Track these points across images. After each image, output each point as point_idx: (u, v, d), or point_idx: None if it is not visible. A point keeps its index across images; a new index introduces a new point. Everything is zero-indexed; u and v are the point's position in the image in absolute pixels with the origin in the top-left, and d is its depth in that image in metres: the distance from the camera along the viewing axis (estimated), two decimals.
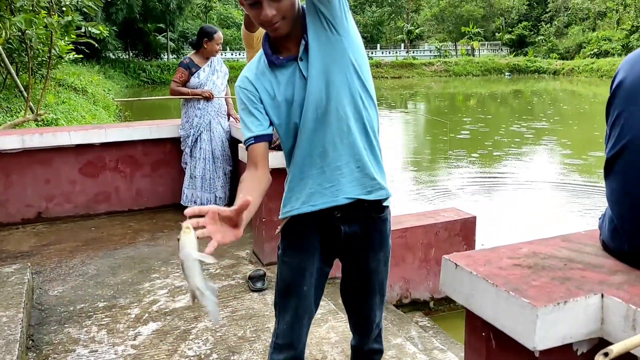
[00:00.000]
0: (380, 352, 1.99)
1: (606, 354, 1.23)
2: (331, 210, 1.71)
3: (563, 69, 38.50)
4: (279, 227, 1.83)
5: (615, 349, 1.24)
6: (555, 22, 47.40)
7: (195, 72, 4.73)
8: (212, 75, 4.77)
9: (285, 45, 1.67)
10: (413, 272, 3.90)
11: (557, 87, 29.87)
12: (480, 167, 10.09)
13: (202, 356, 2.63)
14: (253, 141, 1.68)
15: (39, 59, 9.67)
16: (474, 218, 4.11)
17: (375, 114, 1.74)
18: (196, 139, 4.79)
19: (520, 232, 5.89)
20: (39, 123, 8.83)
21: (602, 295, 1.43)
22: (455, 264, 1.65)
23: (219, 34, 4.73)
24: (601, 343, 1.49)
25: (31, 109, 9.00)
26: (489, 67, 40.31)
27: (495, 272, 1.59)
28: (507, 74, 39.56)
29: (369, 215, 1.75)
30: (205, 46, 4.67)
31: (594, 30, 43.90)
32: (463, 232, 4.06)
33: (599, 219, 1.74)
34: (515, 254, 1.73)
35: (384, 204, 1.77)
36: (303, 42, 1.63)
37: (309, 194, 1.70)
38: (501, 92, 28.74)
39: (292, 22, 1.61)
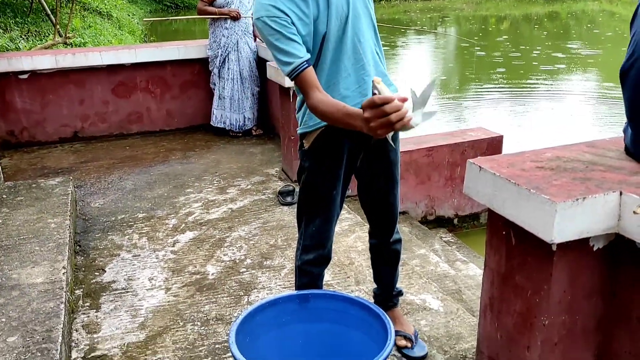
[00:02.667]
0: (400, 240, 2.13)
1: None
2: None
3: None
4: (307, 140, 1.86)
5: None
6: None
7: None
8: None
9: None
10: (438, 190, 3.98)
11: (595, 8, 28.43)
12: (511, 87, 9.90)
13: (237, 261, 2.80)
14: (306, 65, 1.65)
15: None
16: (501, 137, 4.13)
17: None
18: (224, 59, 4.81)
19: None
20: (68, 46, 8.89)
21: (621, 193, 1.49)
22: (480, 166, 1.72)
23: None
24: (617, 239, 1.56)
25: (59, 32, 9.05)
26: None
27: (517, 173, 1.65)
28: None
29: None
30: None
31: None
32: (489, 150, 4.09)
33: (625, 123, 1.77)
34: (539, 158, 1.78)
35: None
36: None
37: (340, 99, 1.71)
38: (536, 13, 27.52)
39: None
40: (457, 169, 4.05)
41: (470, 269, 3.13)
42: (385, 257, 2.13)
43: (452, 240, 3.79)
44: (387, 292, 2.17)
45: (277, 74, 3.68)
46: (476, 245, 3.67)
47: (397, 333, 2.06)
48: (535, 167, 1.70)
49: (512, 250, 1.73)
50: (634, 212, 1.25)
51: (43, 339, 1.91)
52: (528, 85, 10.21)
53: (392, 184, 1.99)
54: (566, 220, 1.46)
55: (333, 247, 2.01)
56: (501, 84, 10.40)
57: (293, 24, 1.64)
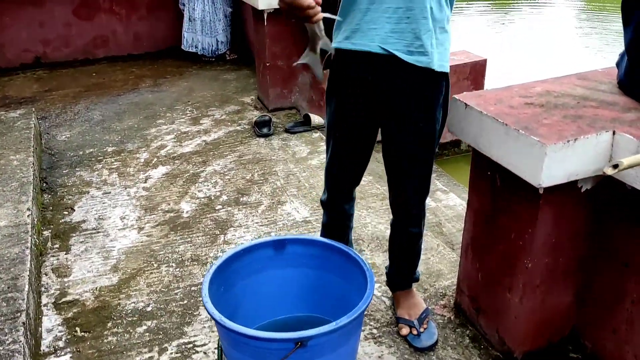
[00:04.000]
0: (419, 235, 1.82)
1: (616, 166, 1.24)
2: (367, 55, 1.51)
3: None
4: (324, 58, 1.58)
5: (626, 161, 1.24)
6: None
7: None
8: None
9: None
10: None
11: None
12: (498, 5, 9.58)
13: (212, 197, 2.71)
14: None
15: None
16: (484, 61, 3.98)
17: None
18: None
19: (534, 72, 5.75)
20: None
21: (614, 132, 1.40)
22: (465, 103, 1.61)
23: None
24: (606, 179, 1.49)
25: None
26: None
27: (505, 111, 1.55)
28: None
29: (405, 75, 1.51)
30: None
31: None
32: (472, 75, 3.95)
33: (619, 55, 1.65)
34: (528, 92, 1.67)
35: (436, 69, 1.49)
36: None
37: (352, 29, 1.51)
38: None
39: None
40: None
41: (450, 199, 3.09)
42: (396, 241, 1.86)
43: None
44: (395, 274, 1.92)
45: None
46: (456, 173, 3.62)
47: (398, 320, 1.85)
48: (524, 103, 1.60)
49: (497, 192, 1.66)
50: (603, 173, 1.18)
51: (8, 287, 1.83)
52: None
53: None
54: (556, 163, 1.38)
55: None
56: None
57: None
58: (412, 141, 1.61)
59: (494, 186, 1.67)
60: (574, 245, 1.63)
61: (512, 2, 9.96)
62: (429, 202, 2.92)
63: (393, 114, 1.59)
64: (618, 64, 1.66)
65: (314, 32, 1.40)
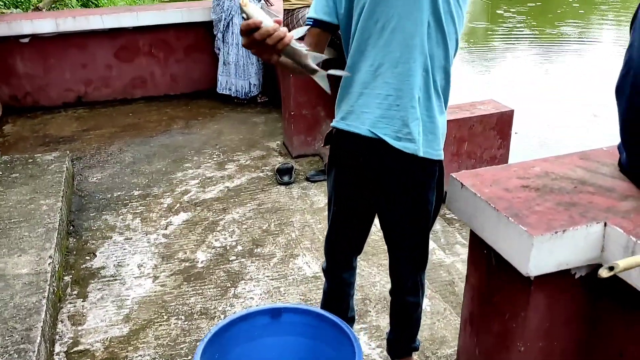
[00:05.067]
0: (417, 305, 1.83)
1: (612, 268, 1.23)
2: (358, 137, 1.56)
3: None
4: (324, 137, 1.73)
5: (622, 263, 1.22)
6: None
7: None
8: None
9: None
10: (444, 166, 3.87)
11: None
12: (532, 47, 9.51)
13: (228, 247, 2.78)
14: (311, 23, 1.56)
15: None
16: (512, 112, 3.96)
17: (444, 57, 1.48)
18: (228, 23, 4.66)
19: (559, 123, 5.67)
20: None
21: (605, 224, 1.40)
22: (461, 183, 1.63)
23: None
24: (599, 266, 1.47)
25: None
26: None
27: (500, 194, 1.56)
28: None
29: (393, 158, 1.55)
30: None
31: None
32: (499, 125, 3.93)
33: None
34: (526, 173, 1.68)
35: (420, 155, 1.53)
36: None
37: (347, 111, 1.57)
38: None
39: None
40: (464, 144, 3.91)
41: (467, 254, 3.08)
42: (394, 309, 1.88)
43: (455, 218, 3.72)
44: (395, 342, 1.93)
45: None
46: None
47: None
48: (521, 185, 1.60)
49: (492, 271, 1.66)
50: (599, 275, 1.17)
51: (22, 338, 1.93)
52: (549, 36, 9.79)
53: (393, 243, 1.71)
54: (544, 254, 1.38)
55: None
56: (524, 40, 10.00)
57: None
58: (402, 219, 1.65)
59: (489, 264, 1.67)
60: (570, 330, 1.60)
61: (555, 41, 9.86)
62: (443, 257, 2.92)
63: (383, 192, 1.64)
64: (619, 146, 1.65)
65: (295, 54, 1.31)
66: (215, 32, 4.79)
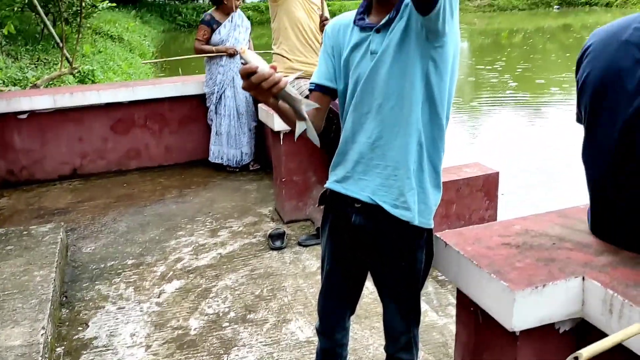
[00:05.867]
0: None
1: (576, 358, 1.27)
2: (356, 201, 1.64)
3: (616, 0, 36.19)
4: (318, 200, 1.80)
5: (585, 353, 1.27)
6: None
7: (216, 28, 4.73)
8: (233, 30, 4.76)
9: (378, 8, 1.59)
10: (434, 228, 3.94)
11: (609, 20, 28.25)
12: (517, 112, 9.82)
13: (221, 314, 2.79)
14: (312, 87, 1.69)
15: (74, 8, 9.76)
16: (497, 174, 4.07)
17: (437, 132, 1.58)
18: (220, 95, 4.84)
19: (545, 182, 5.80)
20: (76, 75, 9.02)
21: (583, 278, 1.45)
22: (445, 242, 1.69)
23: None
24: (584, 323, 1.52)
25: (68, 60, 9.18)
26: (535, 0, 38.27)
27: (482, 252, 1.62)
28: (555, 6, 37.54)
29: (388, 223, 1.61)
30: (225, 2, 4.64)
31: None
32: (485, 187, 4.04)
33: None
34: (507, 231, 1.75)
35: (415, 224, 1.59)
36: (390, 15, 1.52)
37: (344, 176, 1.66)
38: (549, 26, 27.41)
39: None
40: (453, 206, 4.00)
41: None
42: None
43: (447, 280, 3.73)
44: None
45: (267, 117, 3.69)
46: None
47: None
48: (502, 243, 1.67)
49: (480, 327, 1.69)
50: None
51: None
52: (538, 104, 10.12)
53: (385, 300, 1.76)
54: (526, 308, 1.43)
55: None
56: (509, 105, 10.33)
57: (333, 52, 1.68)
58: (396, 280, 1.70)
59: (477, 321, 1.70)
60: None
61: (540, 101, 10.19)
62: (436, 319, 2.93)
63: (377, 254, 1.69)
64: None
65: (289, 99, 1.40)
66: (208, 104, 4.97)
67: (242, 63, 1.34)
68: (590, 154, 1.55)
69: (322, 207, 1.82)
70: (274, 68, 1.33)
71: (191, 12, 32.33)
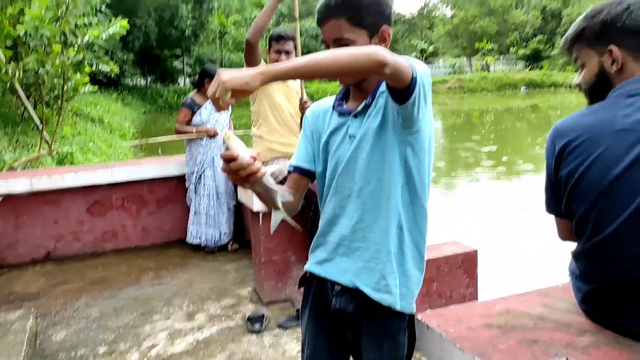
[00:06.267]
0: None
1: None
2: (336, 284, 1.64)
3: None
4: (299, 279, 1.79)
5: None
6: None
7: (197, 110, 4.84)
8: (214, 112, 4.87)
9: (355, 94, 1.65)
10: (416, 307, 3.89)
11: (573, 100, 29.60)
12: (493, 190, 10.02)
13: None
14: (291, 169, 1.73)
15: (55, 91, 9.91)
16: (475, 252, 4.09)
17: (419, 213, 1.60)
18: (200, 175, 4.87)
19: (523, 259, 5.83)
20: (54, 157, 9.03)
21: (567, 359, 1.44)
22: (427, 325, 1.67)
23: None
24: None
25: (47, 142, 9.21)
26: (504, 83, 40.08)
27: (464, 334, 1.60)
28: (522, 88, 39.34)
29: (370, 307, 1.60)
30: (207, 86, 4.77)
31: None
32: (465, 265, 4.04)
33: (570, 271, 1.73)
34: (489, 311, 1.74)
35: (397, 309, 1.57)
36: (367, 100, 1.58)
37: (325, 258, 1.66)
38: (517, 107, 28.58)
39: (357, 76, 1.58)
40: (433, 284, 3.97)
41: None
42: None
43: None
44: None
45: (247, 197, 3.70)
46: None
47: None
48: (484, 324, 1.65)
49: None
50: None
51: None
52: (512, 182, 10.36)
53: None
54: None
55: None
56: (484, 182, 10.56)
57: (312, 136, 1.72)
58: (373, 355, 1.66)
59: None
60: None
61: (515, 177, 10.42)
62: None
63: (359, 337, 1.65)
64: (572, 287, 1.73)
65: (265, 189, 1.43)
66: (187, 185, 4.98)
67: (224, 148, 1.36)
68: (604, 244, 1.51)
69: (302, 289, 1.80)
70: (255, 158, 1.36)
71: (172, 94, 33.05)
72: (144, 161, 5.40)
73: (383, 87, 1.54)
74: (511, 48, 50.46)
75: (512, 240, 6.71)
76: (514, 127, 20.47)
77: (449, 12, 56.21)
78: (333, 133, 1.66)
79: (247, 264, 4.57)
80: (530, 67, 46.73)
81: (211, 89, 1.28)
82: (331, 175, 1.66)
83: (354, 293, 1.60)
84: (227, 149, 1.36)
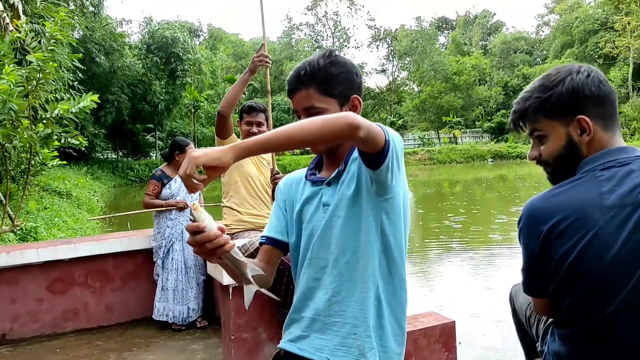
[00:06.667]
0: None
1: None
2: None
3: None
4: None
5: None
6: None
7: (167, 183, 4.76)
8: (183, 185, 4.79)
9: (327, 163, 1.64)
10: None
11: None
12: (467, 260, 10.01)
13: None
14: (263, 240, 1.68)
15: (22, 166, 9.72)
16: (453, 323, 3.99)
17: (398, 283, 1.55)
18: (168, 249, 4.72)
19: (499, 330, 5.72)
20: (18, 232, 8.72)
21: None
22: None
23: (191, 146, 4.81)
24: None
25: (10, 217, 8.92)
26: (471, 154, 41.28)
27: None
28: (489, 160, 40.49)
29: None
30: (177, 158, 4.74)
31: None
32: (443, 337, 3.92)
33: (548, 353, 1.66)
34: None
35: None
36: (339, 168, 1.56)
37: (299, 335, 1.57)
38: (486, 177, 29.24)
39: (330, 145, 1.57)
40: (412, 359, 3.83)
41: None
42: None
43: None
44: None
45: (216, 271, 3.56)
46: None
47: None
48: None
49: None
50: None
51: None
52: (485, 253, 10.37)
53: None
54: None
55: None
56: (456, 251, 10.55)
57: (285, 207, 1.68)
58: None
59: None
60: None
61: (489, 248, 10.44)
62: None
63: None
64: None
65: (234, 262, 1.37)
66: (155, 259, 4.81)
67: (190, 219, 1.31)
68: (601, 326, 1.44)
69: None
70: (222, 230, 1.31)
71: (143, 167, 32.95)
72: (109, 236, 5.22)
73: (355, 153, 1.52)
74: (476, 121, 52.41)
75: (486, 310, 6.62)
76: (484, 197, 20.81)
77: (416, 87, 58.41)
78: (307, 202, 1.62)
79: (216, 342, 4.35)
80: (495, 139, 48.39)
81: (182, 168, 1.23)
82: (305, 246, 1.60)
83: None
84: (194, 220, 1.30)
